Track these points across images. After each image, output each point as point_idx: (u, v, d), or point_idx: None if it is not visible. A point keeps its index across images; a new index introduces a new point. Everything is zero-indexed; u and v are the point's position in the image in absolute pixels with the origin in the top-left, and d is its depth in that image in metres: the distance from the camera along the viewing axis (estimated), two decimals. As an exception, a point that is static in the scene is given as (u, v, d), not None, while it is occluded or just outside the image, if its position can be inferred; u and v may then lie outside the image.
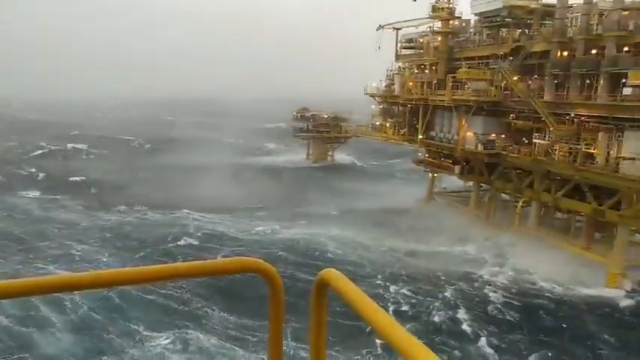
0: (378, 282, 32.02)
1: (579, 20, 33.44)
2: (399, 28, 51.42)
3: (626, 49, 30.90)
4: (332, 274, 1.95)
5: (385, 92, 52.82)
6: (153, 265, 2.11)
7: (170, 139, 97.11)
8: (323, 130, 78.07)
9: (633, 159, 29.47)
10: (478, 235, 40.07)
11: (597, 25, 32.58)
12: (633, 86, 29.28)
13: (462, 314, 28.17)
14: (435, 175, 51.65)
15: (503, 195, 44.38)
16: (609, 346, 25.62)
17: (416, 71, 50.31)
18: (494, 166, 41.48)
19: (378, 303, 1.69)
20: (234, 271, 2.21)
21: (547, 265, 33.83)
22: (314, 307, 2.05)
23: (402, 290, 30.98)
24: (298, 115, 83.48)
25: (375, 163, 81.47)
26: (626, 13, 31.10)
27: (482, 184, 45.10)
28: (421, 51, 49.52)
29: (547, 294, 31.28)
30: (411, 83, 47.89)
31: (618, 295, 31.18)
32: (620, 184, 30.57)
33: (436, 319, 27.76)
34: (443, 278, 32.96)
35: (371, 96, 55.07)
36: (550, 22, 37.05)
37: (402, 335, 1.50)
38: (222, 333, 25.11)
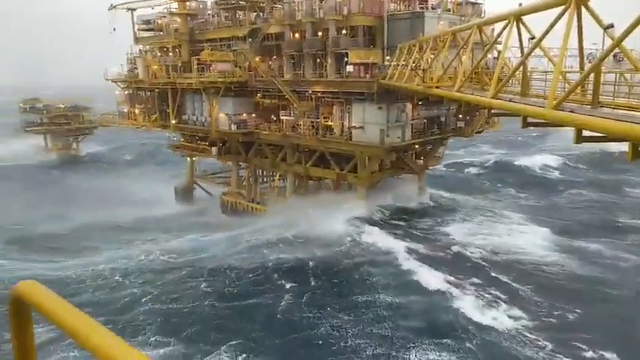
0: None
1: (304, 5, 36.57)
2: (134, 9, 48.24)
3: (344, 31, 35.09)
4: (28, 287, 1.62)
5: (129, 77, 49.42)
6: None
7: None
8: (61, 122, 69.22)
9: (361, 127, 34.27)
10: None
11: (319, 9, 36.12)
12: (353, 64, 33.69)
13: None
14: (194, 158, 51.27)
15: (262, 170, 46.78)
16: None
17: (159, 54, 48.24)
18: (249, 145, 43.24)
19: (88, 315, 1.48)
20: None
21: None
22: (14, 331, 1.70)
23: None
24: (27, 106, 71.69)
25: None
26: (340, -1, 35.21)
27: (240, 163, 46.66)
28: (161, 33, 47.60)
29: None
30: (155, 67, 45.76)
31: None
32: (353, 150, 35.32)
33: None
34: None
35: (113, 81, 50.85)
36: (281, 5, 39.53)
37: (122, 348, 1.35)
38: None
